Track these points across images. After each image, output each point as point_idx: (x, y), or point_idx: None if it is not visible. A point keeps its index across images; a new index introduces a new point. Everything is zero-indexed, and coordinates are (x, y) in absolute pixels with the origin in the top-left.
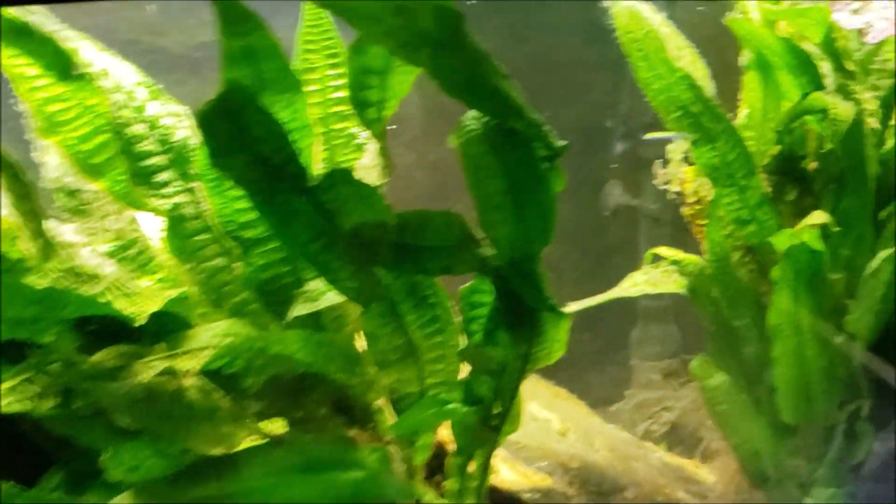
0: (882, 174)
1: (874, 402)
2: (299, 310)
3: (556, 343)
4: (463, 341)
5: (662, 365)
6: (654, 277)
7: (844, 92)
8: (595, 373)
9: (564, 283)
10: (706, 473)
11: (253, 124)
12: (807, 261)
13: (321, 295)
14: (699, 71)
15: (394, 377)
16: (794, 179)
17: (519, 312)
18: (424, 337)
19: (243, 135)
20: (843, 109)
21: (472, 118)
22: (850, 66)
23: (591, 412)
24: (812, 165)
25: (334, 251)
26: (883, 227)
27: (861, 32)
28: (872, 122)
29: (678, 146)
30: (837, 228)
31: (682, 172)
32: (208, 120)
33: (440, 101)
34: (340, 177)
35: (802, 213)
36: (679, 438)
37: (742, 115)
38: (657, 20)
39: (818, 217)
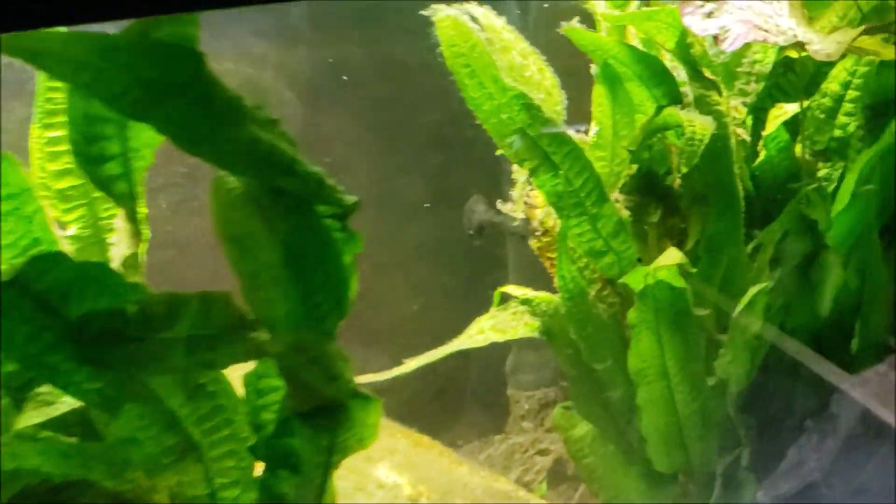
0: (755, 190)
1: (756, 447)
2: (31, 418)
3: (367, 429)
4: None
5: (539, 394)
6: (502, 321)
7: (704, 103)
8: (468, 407)
9: (434, 306)
10: None
11: None
12: (667, 299)
13: (58, 398)
14: (548, 81)
15: (174, 480)
16: (657, 198)
17: (315, 400)
18: (205, 432)
19: None
20: (700, 125)
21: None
22: (709, 74)
23: (457, 460)
24: (677, 182)
25: (62, 350)
26: (759, 250)
27: (716, 39)
28: (741, 133)
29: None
30: (704, 255)
31: (529, 197)
32: None
33: (282, 115)
34: (52, 260)
35: (670, 234)
36: (557, 481)
37: (591, 132)
38: (498, 25)
39: (671, 257)
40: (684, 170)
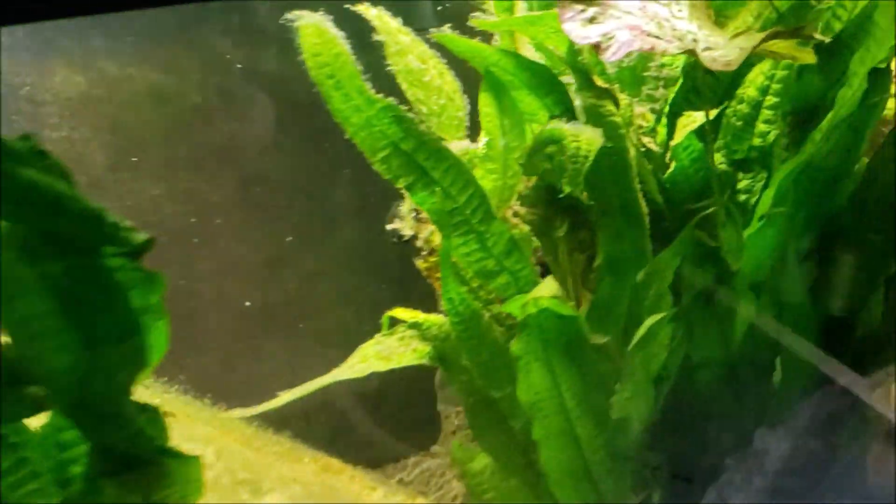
0: (667, 204)
1: (669, 487)
2: None
3: (190, 485)
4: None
5: None
6: (387, 348)
7: (596, 114)
8: (395, 425)
9: (365, 317)
10: None
11: None
12: (556, 328)
13: None
14: (448, 85)
15: None
16: (563, 210)
17: (121, 457)
18: (10, 487)
19: None
20: (586, 139)
21: None
22: (602, 82)
23: (371, 485)
24: (584, 194)
25: None
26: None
27: (597, 48)
28: (648, 143)
29: None
30: (607, 278)
31: (415, 213)
32: None
33: (189, 121)
34: None
35: (581, 248)
36: None
37: (481, 144)
38: (392, 26)
39: (548, 288)
40: (567, 189)
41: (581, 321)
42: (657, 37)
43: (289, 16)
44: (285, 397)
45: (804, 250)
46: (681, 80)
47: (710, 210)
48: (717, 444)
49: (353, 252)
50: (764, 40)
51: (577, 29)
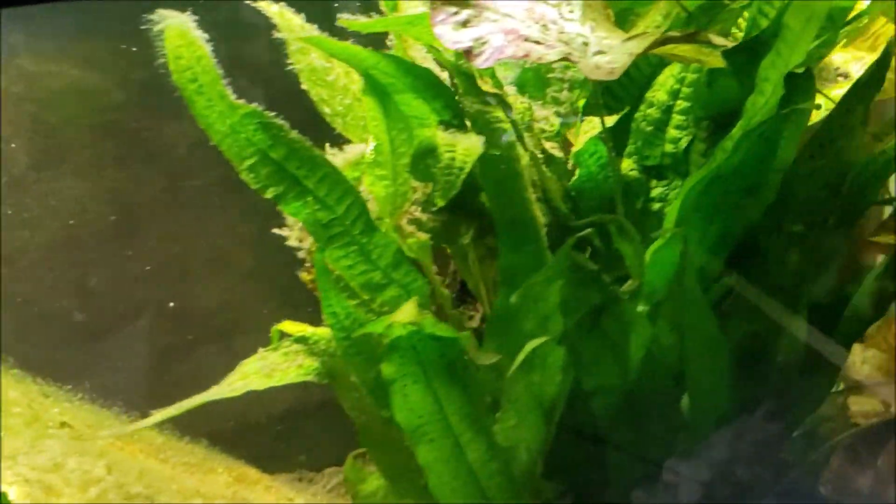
0: (575, 212)
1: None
2: None
3: None
4: None
5: None
6: (270, 364)
7: (482, 121)
8: (324, 432)
9: (302, 319)
10: None
11: None
12: (433, 350)
13: None
14: (356, 84)
15: None
16: (468, 217)
17: None
18: None
19: None
20: (463, 149)
21: None
22: (489, 86)
23: (288, 496)
24: None
25: None
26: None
27: (468, 53)
28: (552, 148)
29: None
30: (503, 291)
31: None
32: None
33: (113, 119)
34: None
35: (492, 254)
36: None
37: (369, 149)
38: (295, 23)
39: (407, 311)
40: (440, 202)
41: (464, 341)
42: (537, 41)
43: (153, 16)
44: (157, 417)
45: (717, 268)
46: (592, 82)
47: (600, 223)
48: (625, 476)
49: (287, 252)
50: (654, 45)
51: (449, 33)
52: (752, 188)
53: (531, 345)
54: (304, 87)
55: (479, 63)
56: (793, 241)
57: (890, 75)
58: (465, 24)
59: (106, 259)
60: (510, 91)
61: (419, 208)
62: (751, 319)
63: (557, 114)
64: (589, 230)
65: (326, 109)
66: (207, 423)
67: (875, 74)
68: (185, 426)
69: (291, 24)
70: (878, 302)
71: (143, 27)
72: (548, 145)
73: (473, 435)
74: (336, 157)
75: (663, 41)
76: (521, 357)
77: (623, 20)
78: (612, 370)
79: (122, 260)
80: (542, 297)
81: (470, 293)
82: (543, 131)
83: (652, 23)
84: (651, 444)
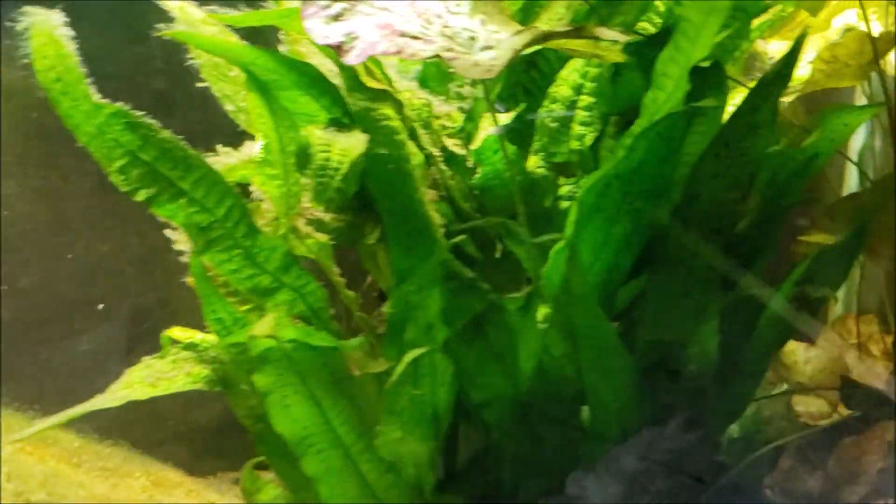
0: (481, 211)
1: None
2: None
3: None
4: None
5: None
6: (155, 372)
7: (368, 119)
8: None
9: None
10: None
11: None
12: (312, 360)
13: None
14: None
15: None
16: (375, 216)
17: None
18: None
19: None
20: (340, 149)
21: None
22: (374, 82)
23: (209, 499)
24: None
25: None
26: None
27: (339, 49)
28: (454, 146)
29: None
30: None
31: None
32: None
33: (40, 119)
34: None
35: None
36: None
37: (257, 148)
38: (194, 17)
39: (265, 324)
40: (314, 205)
41: (349, 349)
42: (415, 36)
43: (19, 14)
44: (44, 423)
45: (624, 271)
46: (503, 75)
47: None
48: (527, 490)
49: None
50: (535, 41)
51: (320, 27)
52: (656, 189)
53: (410, 355)
54: (206, 82)
55: (349, 59)
56: (702, 245)
57: (821, 66)
58: (336, 17)
59: (35, 259)
60: (412, 87)
61: (322, 207)
62: (660, 325)
63: (461, 109)
64: (457, 237)
65: (229, 106)
66: (130, 426)
67: (781, 71)
68: (105, 430)
69: (191, 19)
70: (799, 307)
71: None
72: (449, 142)
73: (366, 446)
74: (231, 156)
75: (545, 36)
76: (400, 368)
77: (530, 12)
78: (501, 381)
79: (50, 260)
80: (420, 305)
81: None
82: (445, 128)
83: (555, 15)
84: (553, 457)
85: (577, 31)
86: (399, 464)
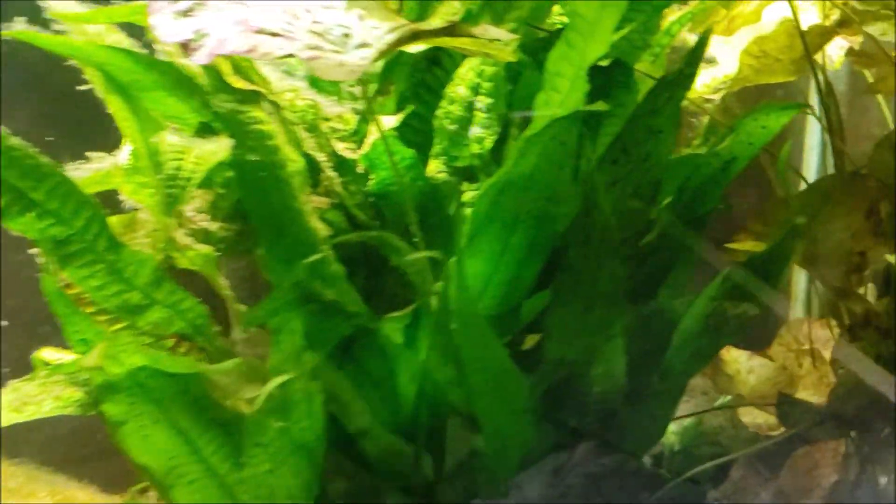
0: (379, 219)
1: None
2: None
3: None
4: None
5: None
6: (23, 395)
7: (235, 122)
8: None
9: None
10: None
11: None
12: (171, 386)
13: None
14: None
15: None
16: None
17: None
18: None
19: None
20: (197, 155)
21: None
22: (243, 83)
23: None
24: None
25: None
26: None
27: (186, 48)
28: (345, 150)
29: None
30: None
31: None
32: None
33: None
34: None
35: None
36: None
37: (124, 155)
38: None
39: (91, 358)
40: (159, 217)
41: (212, 375)
42: (275, 33)
43: None
44: None
45: (527, 284)
46: (406, 74)
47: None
48: None
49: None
50: (404, 40)
51: (168, 23)
52: (554, 196)
53: (272, 384)
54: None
55: (197, 58)
56: (604, 256)
57: (751, 61)
58: (186, 13)
59: None
60: (300, 86)
61: (207, 217)
62: (564, 343)
63: (355, 111)
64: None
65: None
66: (38, 444)
67: (683, 72)
68: (9, 448)
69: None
70: (714, 325)
71: None
72: (339, 146)
73: (244, 475)
74: (104, 162)
75: (414, 35)
76: (261, 399)
77: (427, 6)
78: (380, 408)
79: None
80: (282, 329)
81: None
82: (336, 131)
83: (450, 10)
84: (447, 487)
85: (448, 29)
86: (272, 498)
